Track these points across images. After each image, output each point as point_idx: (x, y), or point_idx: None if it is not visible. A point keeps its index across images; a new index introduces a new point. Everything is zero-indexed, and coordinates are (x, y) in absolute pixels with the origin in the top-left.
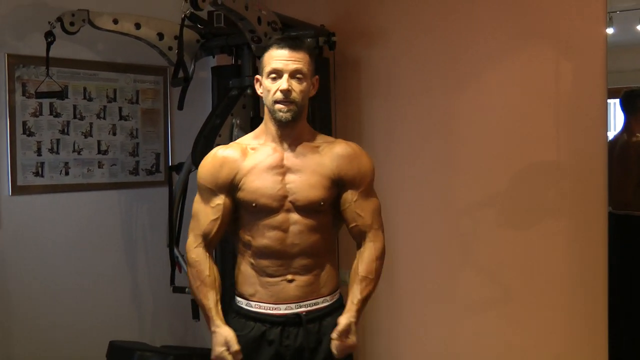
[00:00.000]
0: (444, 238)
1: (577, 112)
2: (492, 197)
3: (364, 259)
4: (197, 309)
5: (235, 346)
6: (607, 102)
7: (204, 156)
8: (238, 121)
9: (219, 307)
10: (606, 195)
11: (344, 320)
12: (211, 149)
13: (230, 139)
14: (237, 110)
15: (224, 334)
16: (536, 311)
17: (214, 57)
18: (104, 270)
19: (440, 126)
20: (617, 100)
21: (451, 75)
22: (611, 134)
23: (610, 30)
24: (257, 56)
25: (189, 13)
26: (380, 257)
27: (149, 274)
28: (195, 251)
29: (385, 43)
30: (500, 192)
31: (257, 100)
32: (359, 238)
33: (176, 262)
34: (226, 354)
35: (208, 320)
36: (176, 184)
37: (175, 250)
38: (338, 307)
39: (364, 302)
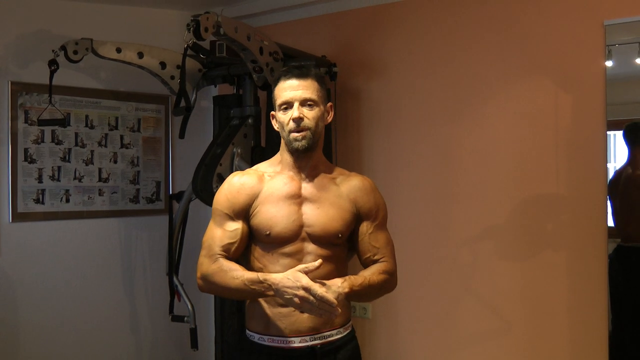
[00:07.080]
0: (443, 269)
1: (577, 144)
2: (492, 229)
3: (372, 267)
4: (195, 338)
5: (305, 278)
6: (606, 134)
7: (204, 185)
8: (239, 150)
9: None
10: (606, 227)
11: (336, 281)
12: (212, 178)
13: (231, 168)
14: (238, 140)
15: (285, 275)
16: (536, 342)
17: (215, 86)
18: (103, 297)
19: (440, 158)
20: (617, 133)
21: (451, 107)
22: (611, 166)
23: (609, 63)
24: (259, 86)
25: (191, 43)
26: (390, 275)
27: (147, 302)
28: (211, 266)
29: (386, 74)
30: (500, 224)
31: (258, 129)
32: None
33: (175, 290)
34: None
35: (256, 292)
36: (176, 212)
37: (175, 279)
38: (351, 339)
39: (361, 286)
